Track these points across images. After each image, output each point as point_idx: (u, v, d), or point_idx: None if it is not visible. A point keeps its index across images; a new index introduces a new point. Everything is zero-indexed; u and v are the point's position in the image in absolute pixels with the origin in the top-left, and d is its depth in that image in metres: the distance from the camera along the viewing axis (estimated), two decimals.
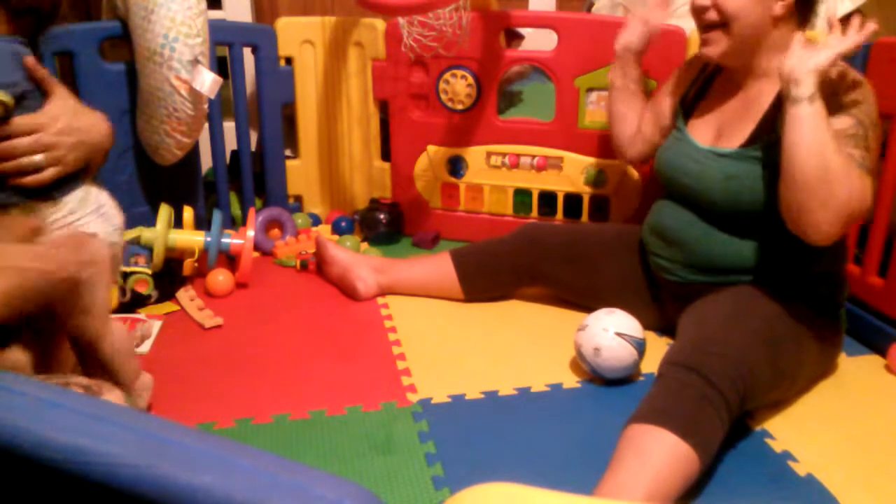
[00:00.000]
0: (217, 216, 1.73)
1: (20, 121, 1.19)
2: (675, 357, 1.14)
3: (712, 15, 1.28)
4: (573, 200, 1.95)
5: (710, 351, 1.12)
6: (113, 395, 1.01)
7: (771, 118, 1.27)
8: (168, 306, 1.65)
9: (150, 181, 1.81)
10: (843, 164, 1.13)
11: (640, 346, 1.34)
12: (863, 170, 1.16)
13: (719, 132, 1.36)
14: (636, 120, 1.60)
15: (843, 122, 1.18)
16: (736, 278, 1.32)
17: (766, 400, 1.23)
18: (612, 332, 1.32)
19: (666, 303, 1.49)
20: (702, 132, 1.39)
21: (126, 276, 1.59)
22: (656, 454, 1.01)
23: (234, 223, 2.08)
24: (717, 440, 1.07)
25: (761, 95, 1.32)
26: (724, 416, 1.08)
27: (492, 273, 1.66)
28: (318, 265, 1.83)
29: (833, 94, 1.19)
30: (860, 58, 1.47)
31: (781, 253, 1.28)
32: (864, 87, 1.21)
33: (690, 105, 1.46)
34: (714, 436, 1.07)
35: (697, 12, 1.31)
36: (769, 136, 1.26)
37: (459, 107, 1.96)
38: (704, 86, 1.45)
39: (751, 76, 1.33)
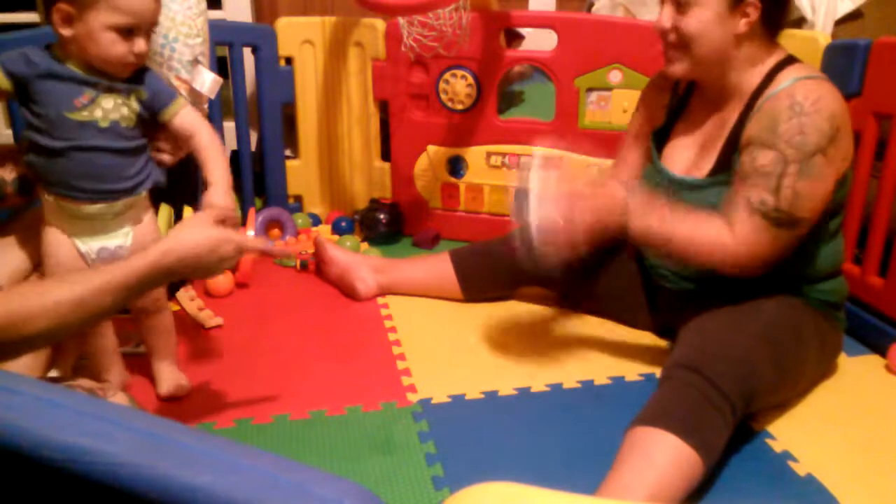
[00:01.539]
0: None
1: None
2: (679, 359, 1.14)
3: (672, 37, 1.26)
4: None
5: (714, 353, 1.12)
6: (117, 399, 1.01)
7: (735, 139, 1.24)
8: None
9: None
10: (689, 232, 1.19)
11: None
12: (747, 212, 1.16)
13: (694, 157, 1.33)
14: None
15: (765, 157, 1.16)
16: (731, 282, 1.31)
17: (770, 402, 1.23)
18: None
19: (663, 305, 1.48)
20: (676, 158, 1.36)
21: None
22: (660, 456, 1.01)
23: None
24: (720, 442, 1.07)
25: (732, 115, 1.27)
26: (728, 418, 1.08)
27: (491, 274, 1.65)
28: (317, 265, 1.83)
29: (773, 122, 1.17)
30: (860, 58, 1.46)
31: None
32: (815, 115, 1.14)
33: (666, 128, 1.41)
34: (717, 438, 1.07)
35: (660, 34, 1.28)
36: (735, 158, 1.23)
37: (459, 107, 1.96)
38: (680, 106, 1.41)
39: (724, 93, 1.29)
